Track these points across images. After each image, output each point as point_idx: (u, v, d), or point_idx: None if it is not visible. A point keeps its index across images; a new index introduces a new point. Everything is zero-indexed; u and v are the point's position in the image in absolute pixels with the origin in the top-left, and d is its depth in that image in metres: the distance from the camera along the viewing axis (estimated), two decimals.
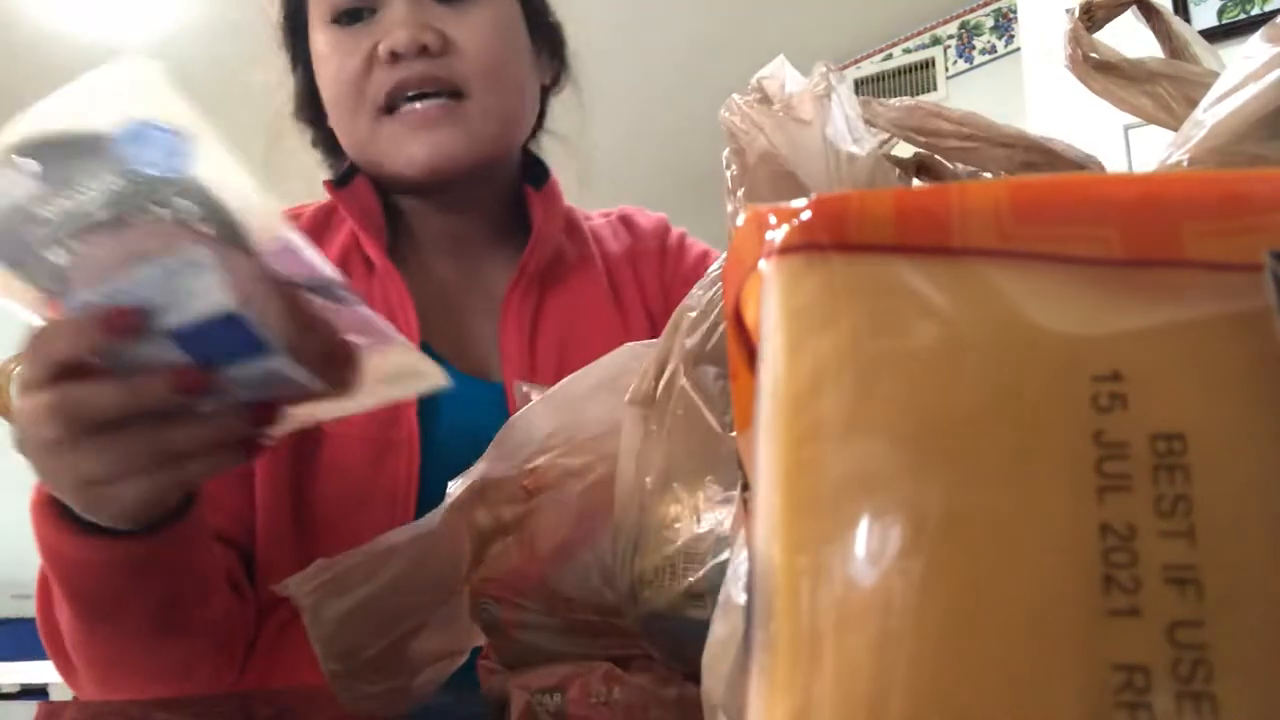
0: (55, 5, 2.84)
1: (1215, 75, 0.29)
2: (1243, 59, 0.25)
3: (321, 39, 0.71)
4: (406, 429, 0.66)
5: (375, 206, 0.74)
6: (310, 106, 0.77)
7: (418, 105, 0.68)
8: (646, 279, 0.82)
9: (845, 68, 3.41)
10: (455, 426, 0.68)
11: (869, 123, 0.31)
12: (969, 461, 0.14)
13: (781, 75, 0.32)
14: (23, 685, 3.03)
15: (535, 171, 0.80)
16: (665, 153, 3.71)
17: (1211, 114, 0.25)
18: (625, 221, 0.88)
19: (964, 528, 0.13)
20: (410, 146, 0.68)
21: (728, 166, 0.31)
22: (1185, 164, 0.25)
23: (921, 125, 0.31)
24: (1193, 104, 0.27)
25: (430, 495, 0.64)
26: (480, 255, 0.77)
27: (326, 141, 0.78)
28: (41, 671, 3.16)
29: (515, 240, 0.78)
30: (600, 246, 0.83)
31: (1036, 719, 0.13)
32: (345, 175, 0.75)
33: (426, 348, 0.69)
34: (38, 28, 2.93)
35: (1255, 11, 2.37)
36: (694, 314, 0.34)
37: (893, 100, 0.32)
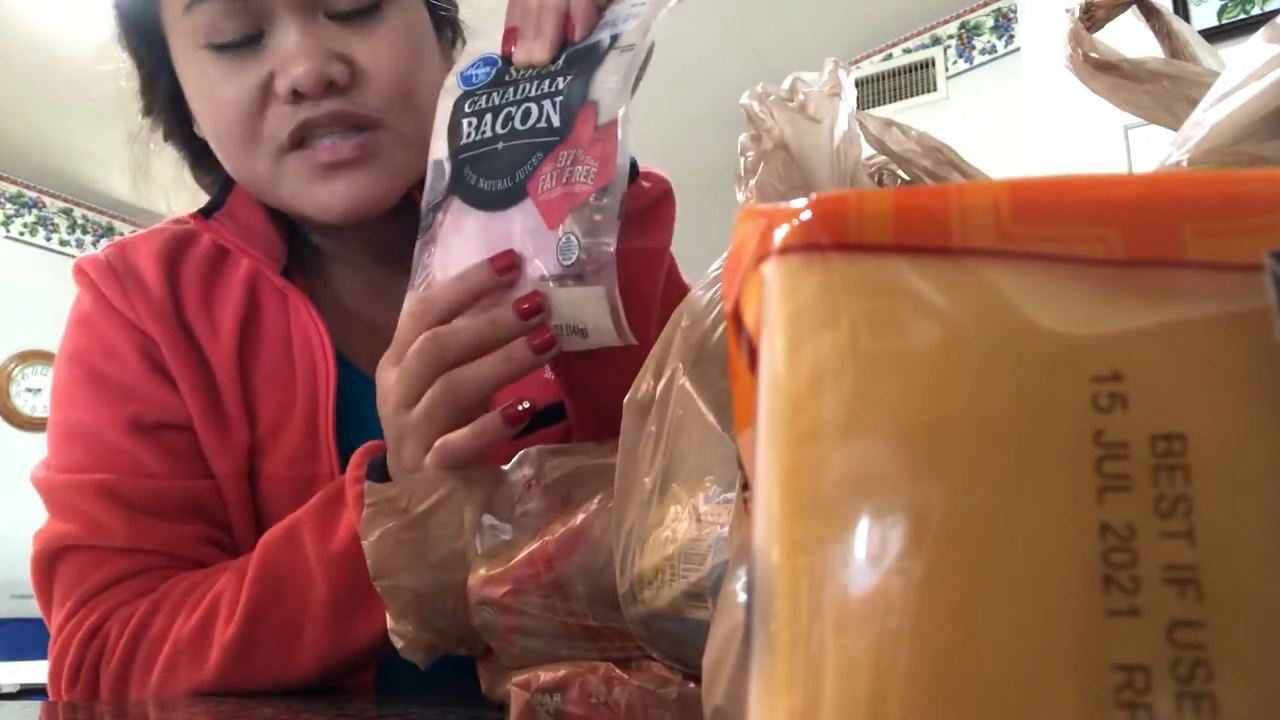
0: (46, 8, 2.84)
1: (1215, 75, 0.29)
2: (1243, 59, 0.25)
3: (195, 68, 0.60)
4: (326, 460, 0.63)
5: (262, 226, 0.66)
6: (177, 128, 0.68)
7: (327, 142, 0.58)
8: None
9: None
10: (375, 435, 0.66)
11: (880, 144, 0.32)
12: (969, 462, 0.14)
13: (817, 78, 0.32)
14: (23, 685, 3.03)
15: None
16: (663, 153, 3.71)
17: (1211, 114, 0.25)
18: None
19: (964, 528, 0.13)
20: (322, 192, 0.59)
21: (742, 153, 0.31)
22: (1185, 164, 0.25)
23: (934, 170, 0.32)
24: (1193, 104, 0.27)
25: None
26: (394, 259, 0.68)
27: (199, 156, 0.69)
28: (41, 671, 3.16)
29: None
30: None
31: (1036, 719, 0.13)
32: (216, 199, 0.67)
33: (343, 362, 0.65)
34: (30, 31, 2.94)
35: (1255, 11, 2.37)
36: (693, 314, 0.34)
37: (913, 131, 0.32)
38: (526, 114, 0.49)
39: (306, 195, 0.60)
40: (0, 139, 3.79)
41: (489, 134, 0.50)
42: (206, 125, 0.63)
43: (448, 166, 0.51)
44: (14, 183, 4.30)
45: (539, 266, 0.46)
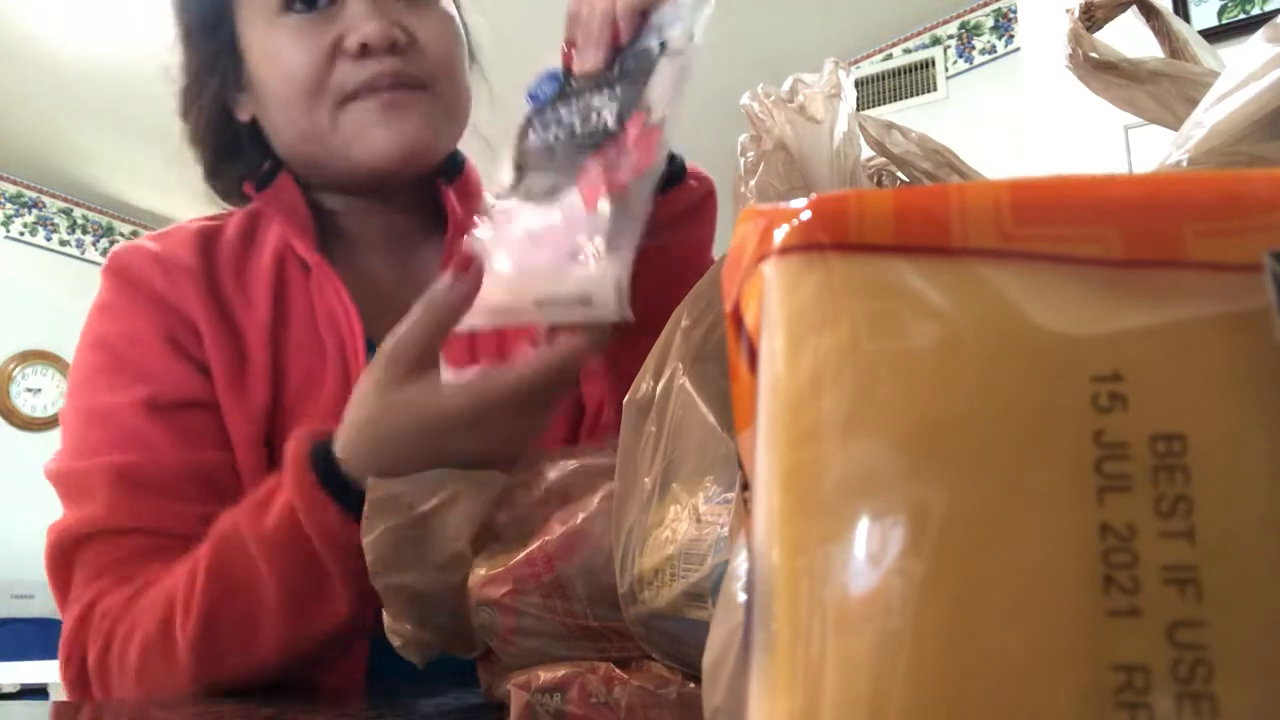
0: (44, 17, 2.84)
1: (1215, 75, 0.29)
2: (1242, 59, 0.25)
3: (268, 34, 0.68)
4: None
5: (303, 207, 0.72)
6: (213, 120, 0.73)
7: (385, 94, 0.66)
8: None
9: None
10: None
11: (880, 146, 0.32)
12: (969, 462, 0.14)
13: (818, 79, 0.32)
14: (23, 685, 3.03)
15: (449, 164, 0.79)
16: None
17: (1211, 114, 0.25)
18: None
19: (964, 528, 0.13)
20: (377, 135, 0.66)
21: (742, 153, 0.31)
22: (1185, 164, 0.25)
23: (934, 173, 0.32)
24: (1193, 104, 0.27)
25: None
26: (413, 249, 0.76)
27: (221, 157, 0.75)
28: (41, 671, 3.16)
29: (443, 233, 0.77)
30: None
31: (1036, 719, 0.13)
32: (266, 177, 0.72)
33: (371, 346, 0.68)
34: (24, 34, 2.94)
35: (1255, 11, 2.37)
36: (694, 314, 0.34)
37: (913, 133, 0.33)
38: (585, 119, 0.54)
39: (364, 139, 0.66)
40: (0, 139, 3.79)
41: (550, 140, 0.55)
42: (272, 84, 0.68)
43: (511, 174, 0.56)
44: (14, 183, 4.30)
45: (576, 245, 0.49)
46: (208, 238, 0.72)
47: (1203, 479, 0.13)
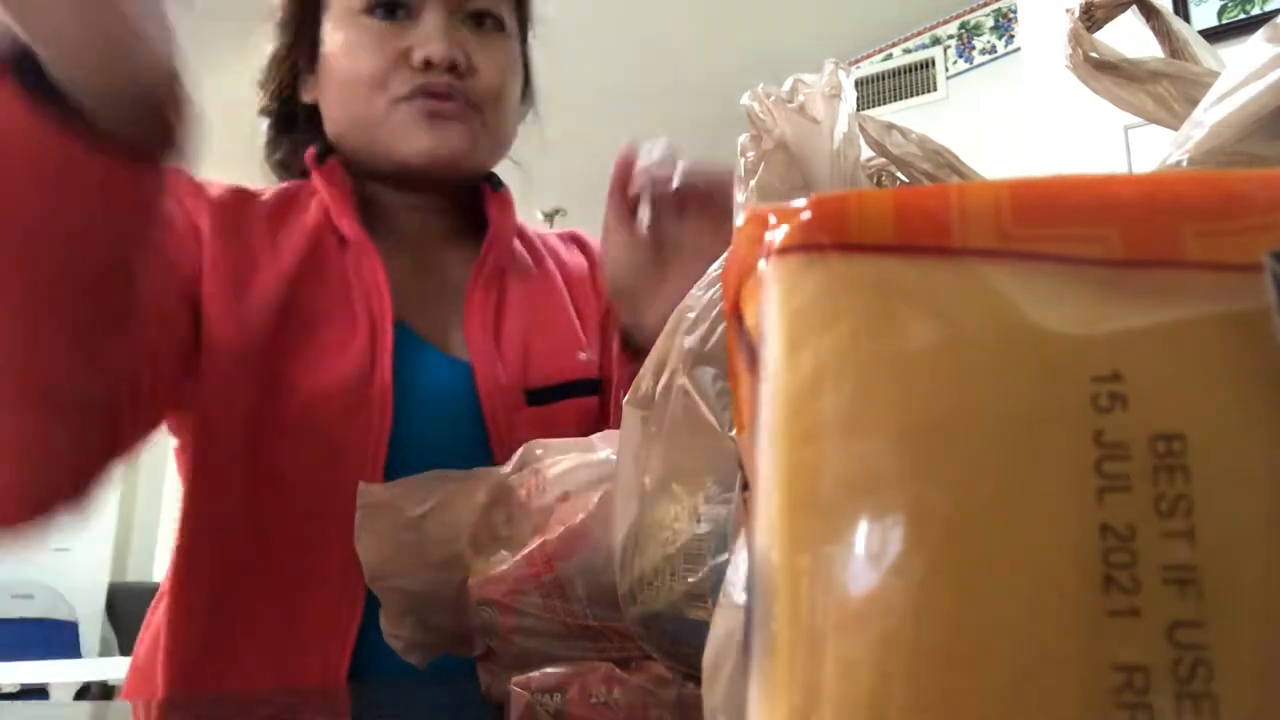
0: None
1: (1215, 75, 0.29)
2: (1242, 59, 0.25)
3: (351, 28, 0.75)
4: (380, 386, 0.69)
5: (350, 188, 0.77)
6: (289, 81, 0.81)
7: (435, 103, 0.73)
8: (595, 297, 0.87)
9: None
10: (426, 396, 0.72)
11: (880, 147, 0.32)
12: (969, 462, 0.14)
13: (818, 79, 0.32)
14: (23, 685, 3.03)
15: (490, 179, 0.86)
16: None
17: (1211, 114, 0.25)
18: (578, 241, 0.94)
19: (964, 528, 0.13)
20: (421, 135, 0.73)
21: (742, 154, 0.31)
22: (1185, 164, 0.25)
23: (934, 173, 0.32)
24: (1193, 104, 0.27)
25: (398, 459, 0.67)
26: (440, 250, 0.81)
27: (280, 130, 0.83)
28: (41, 671, 3.16)
29: (470, 242, 0.83)
30: (555, 257, 0.89)
31: (1036, 719, 0.13)
32: (322, 155, 0.79)
33: (400, 323, 0.73)
34: None
35: (1255, 11, 2.37)
36: (693, 314, 0.34)
37: (913, 134, 0.32)
38: None
39: (407, 136, 0.73)
40: None
41: None
42: (340, 72, 0.75)
43: None
44: None
45: None
46: (245, 191, 0.78)
47: (1203, 479, 0.13)
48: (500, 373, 0.75)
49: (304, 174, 0.80)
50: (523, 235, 0.87)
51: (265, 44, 0.82)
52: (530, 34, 0.84)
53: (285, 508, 0.67)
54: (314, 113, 0.80)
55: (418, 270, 0.79)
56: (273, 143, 0.84)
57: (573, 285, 0.86)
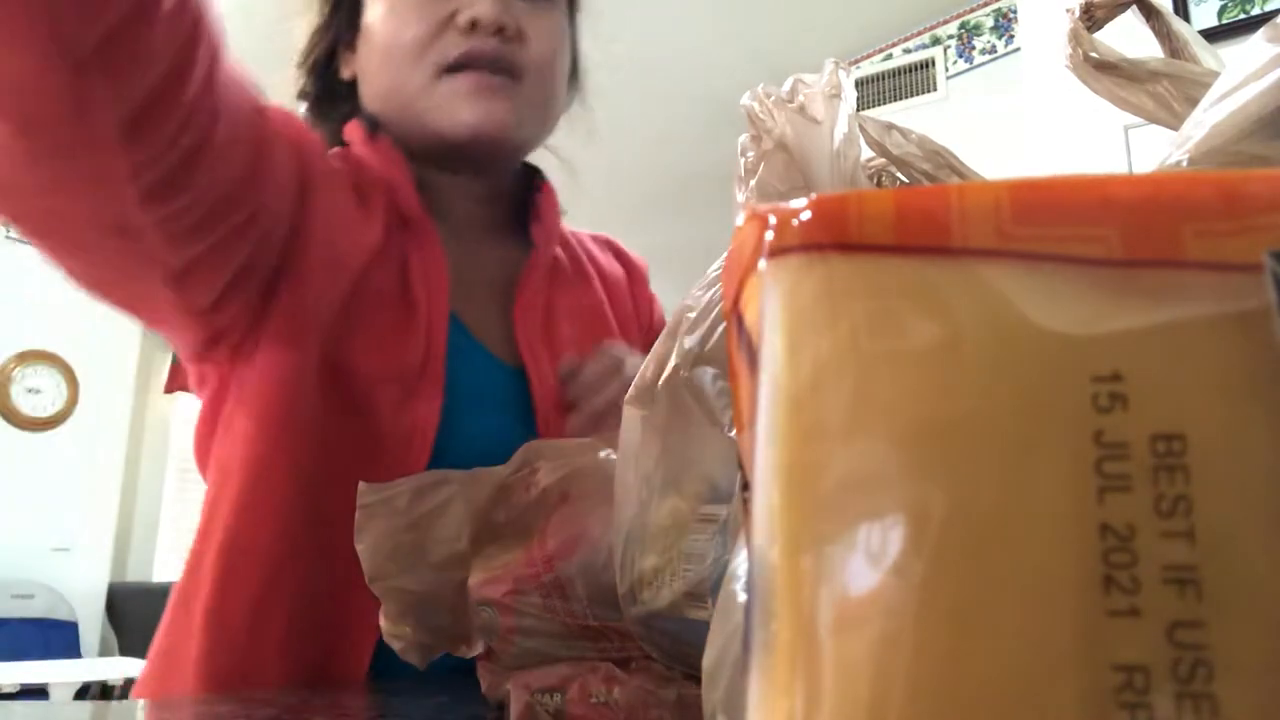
0: None
1: (1215, 75, 0.29)
2: (1242, 59, 0.25)
3: None
4: (432, 381, 0.66)
5: (405, 165, 0.73)
6: (327, 57, 0.78)
7: (481, 75, 0.70)
8: (633, 310, 0.86)
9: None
10: (476, 397, 0.69)
11: (880, 147, 0.32)
12: (969, 462, 0.14)
13: (818, 79, 0.32)
14: (22, 685, 3.03)
15: (534, 176, 0.83)
16: (664, 153, 3.72)
17: (1211, 114, 0.25)
18: (613, 248, 0.92)
19: (964, 528, 0.13)
20: (463, 108, 0.70)
21: (742, 153, 0.31)
22: (1185, 164, 0.25)
23: (934, 174, 0.32)
24: (1193, 104, 0.27)
25: (442, 455, 0.65)
26: (483, 241, 0.78)
27: (323, 94, 0.79)
28: (41, 671, 3.16)
29: (512, 237, 0.80)
30: (593, 261, 0.86)
31: (1036, 719, 0.13)
32: (372, 128, 0.75)
33: (455, 318, 0.71)
34: None
35: (1255, 11, 2.37)
36: (693, 314, 0.34)
37: (913, 134, 0.33)
38: None
39: (447, 110, 0.70)
40: None
41: None
42: (382, 40, 0.72)
43: None
44: None
45: None
46: (340, 151, 0.74)
47: (1203, 479, 0.13)
48: (552, 383, 0.72)
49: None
50: (563, 240, 0.84)
51: (303, 18, 0.78)
52: (578, 14, 0.80)
53: (331, 500, 0.62)
54: (352, 92, 0.77)
55: (466, 260, 0.76)
56: (312, 111, 0.80)
57: (610, 292, 0.84)
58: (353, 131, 0.75)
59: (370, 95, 0.75)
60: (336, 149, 0.74)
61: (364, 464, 0.63)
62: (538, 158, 0.83)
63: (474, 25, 0.69)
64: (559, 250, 0.82)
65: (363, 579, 0.53)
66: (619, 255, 0.90)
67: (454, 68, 0.70)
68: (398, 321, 0.67)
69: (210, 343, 0.66)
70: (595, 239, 0.91)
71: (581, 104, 0.83)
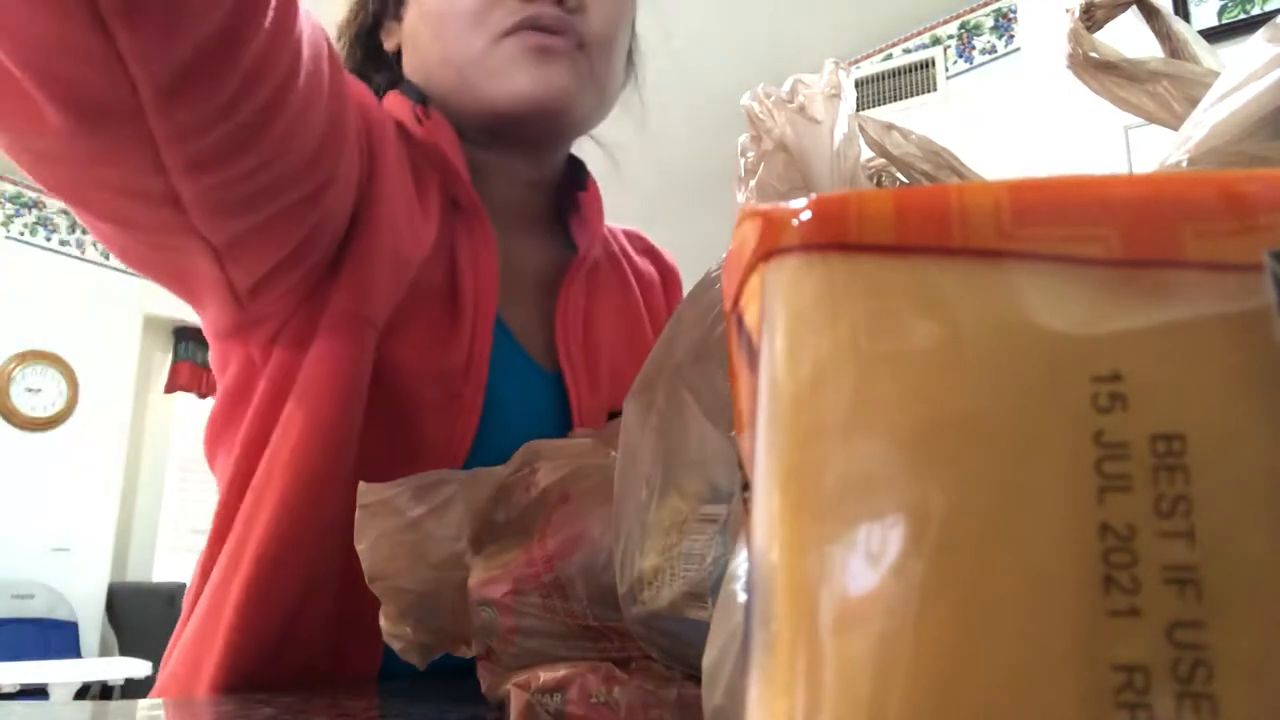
0: None
1: (1215, 75, 0.29)
2: (1242, 59, 0.25)
3: None
4: (474, 386, 0.63)
5: (458, 146, 0.69)
6: (371, 26, 0.74)
7: (542, 36, 0.65)
8: (666, 314, 0.82)
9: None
10: (515, 404, 0.66)
11: (880, 148, 0.32)
12: (969, 462, 0.14)
13: (818, 79, 0.32)
14: (22, 685, 3.03)
15: (579, 169, 0.79)
16: (664, 153, 3.71)
17: (1211, 114, 0.25)
18: (648, 248, 0.88)
19: (964, 528, 0.13)
20: (522, 74, 0.65)
21: (742, 153, 0.31)
22: (1185, 164, 0.25)
23: (934, 174, 0.32)
24: (1193, 104, 0.27)
25: (477, 461, 0.60)
26: (527, 233, 0.75)
27: (365, 65, 0.75)
28: (41, 671, 3.16)
29: (553, 231, 0.76)
30: (629, 261, 0.83)
31: (1036, 719, 0.13)
32: (423, 102, 0.70)
33: (499, 320, 0.67)
34: None
35: (1255, 11, 2.37)
36: (693, 314, 0.34)
37: (913, 134, 0.33)
38: None
39: (506, 76, 0.65)
40: None
41: None
42: (434, 9, 0.67)
43: None
44: (14, 183, 4.30)
45: None
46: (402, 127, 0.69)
47: (1203, 479, 0.13)
48: (590, 392, 0.69)
49: None
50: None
51: None
52: None
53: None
54: (395, 62, 0.72)
55: (510, 254, 0.72)
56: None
57: (646, 295, 0.81)
58: (398, 105, 0.70)
59: (418, 66, 0.70)
60: (391, 121, 0.69)
61: (400, 468, 0.59)
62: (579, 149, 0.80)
63: None
64: (598, 249, 0.79)
65: None
66: (653, 256, 0.87)
67: (510, 32, 0.65)
68: (443, 318, 0.64)
69: (245, 325, 0.62)
70: (629, 235, 0.87)
71: (635, 88, 0.80)
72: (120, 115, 0.44)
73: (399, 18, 0.72)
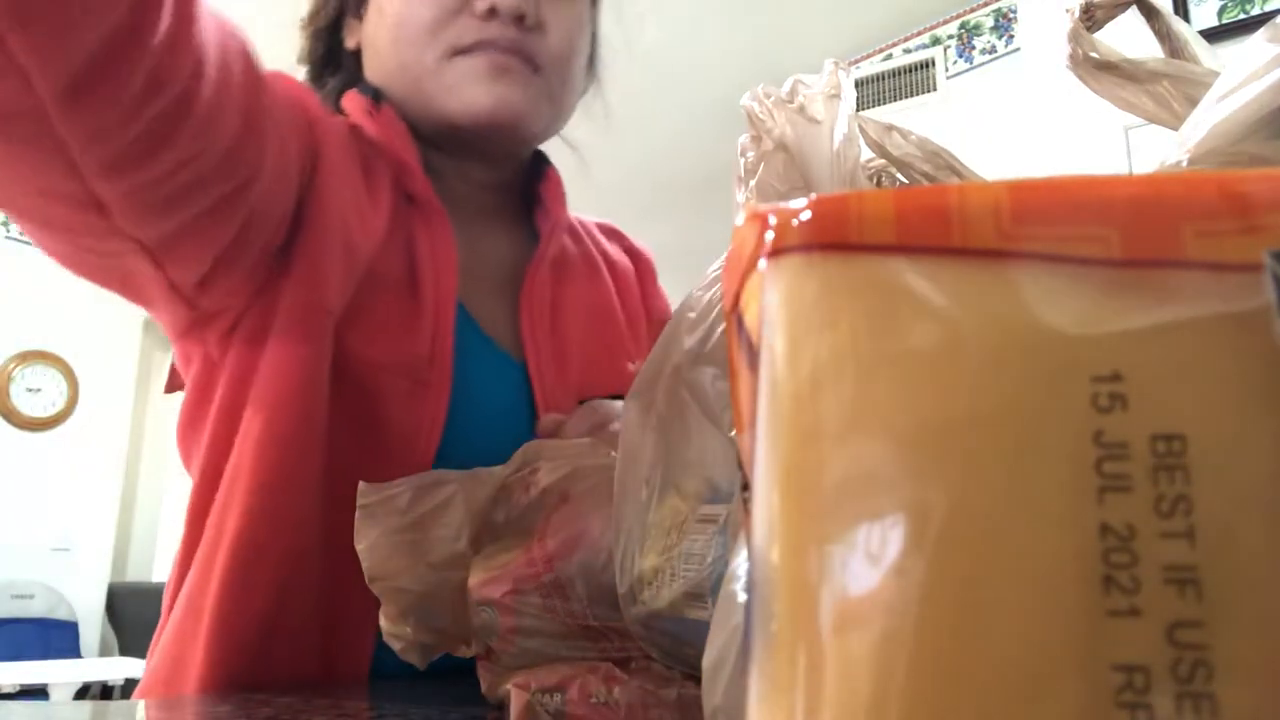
0: None
1: (1215, 75, 0.29)
2: (1242, 59, 0.25)
3: None
4: (439, 375, 0.63)
5: (411, 141, 0.69)
6: (333, 22, 0.74)
7: (497, 56, 0.66)
8: (641, 304, 0.83)
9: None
10: (480, 392, 0.66)
11: (880, 148, 0.32)
12: (969, 462, 0.14)
13: (818, 80, 0.32)
14: (22, 685, 3.03)
15: (540, 162, 0.80)
16: (663, 152, 3.72)
17: (1211, 114, 0.25)
18: (620, 238, 0.88)
19: (964, 528, 0.13)
20: (476, 90, 0.66)
21: (742, 154, 0.31)
22: (1185, 164, 0.25)
23: (934, 175, 0.32)
24: (1193, 104, 0.27)
25: (447, 455, 0.62)
26: (489, 228, 0.75)
27: (325, 60, 0.75)
28: (41, 671, 3.16)
29: (520, 225, 0.77)
30: (600, 250, 0.83)
31: (1037, 719, 0.13)
32: (376, 98, 0.70)
33: (462, 307, 0.68)
34: None
35: (1255, 11, 2.37)
36: (693, 314, 0.34)
37: (913, 135, 0.33)
38: None
39: (461, 92, 0.66)
40: None
41: None
42: (393, 15, 0.68)
43: None
44: None
45: None
46: (350, 122, 0.70)
47: (1203, 479, 0.13)
48: (557, 380, 0.70)
49: None
50: (570, 227, 0.81)
51: None
52: (599, 2, 0.77)
53: (336, 497, 0.59)
54: (354, 61, 0.73)
55: (472, 247, 0.72)
56: (314, 84, 0.76)
57: (618, 284, 0.81)
58: (353, 102, 0.71)
59: (375, 70, 0.71)
60: (339, 119, 0.70)
61: (370, 460, 0.61)
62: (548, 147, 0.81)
63: (493, 11, 0.65)
64: (567, 240, 0.79)
65: (363, 577, 0.52)
66: (626, 247, 0.88)
67: (467, 50, 0.66)
68: (404, 308, 0.64)
69: (199, 323, 0.62)
70: (603, 228, 0.88)
71: (597, 93, 0.80)
72: (23, 118, 0.44)
73: (360, 16, 0.73)
